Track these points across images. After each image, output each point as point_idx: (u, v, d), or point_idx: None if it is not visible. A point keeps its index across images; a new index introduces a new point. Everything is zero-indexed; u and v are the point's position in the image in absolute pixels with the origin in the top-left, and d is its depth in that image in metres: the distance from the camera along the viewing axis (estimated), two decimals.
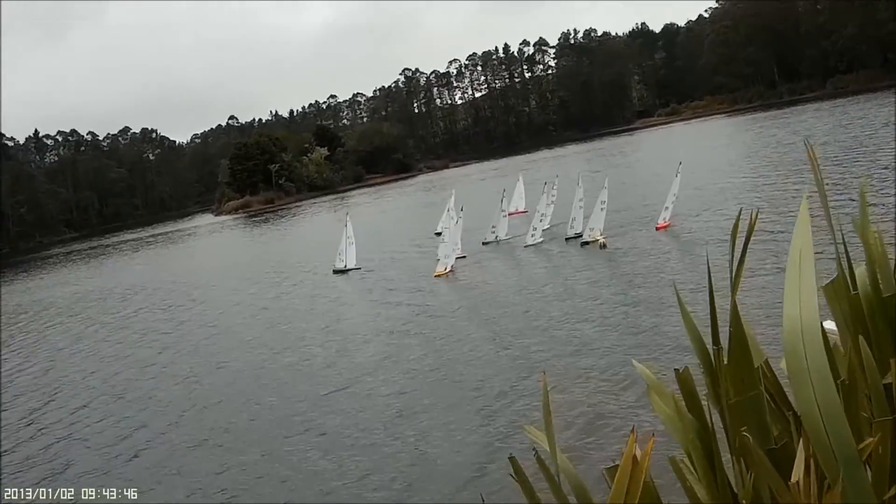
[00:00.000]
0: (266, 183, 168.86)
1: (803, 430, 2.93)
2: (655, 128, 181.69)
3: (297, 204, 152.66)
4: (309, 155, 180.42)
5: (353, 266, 47.63)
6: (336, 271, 47.87)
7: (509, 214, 55.43)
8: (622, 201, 50.93)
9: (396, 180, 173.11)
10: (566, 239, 43.11)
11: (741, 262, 3.39)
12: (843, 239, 3.80)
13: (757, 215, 3.68)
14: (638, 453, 3.12)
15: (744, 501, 3.17)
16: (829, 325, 3.79)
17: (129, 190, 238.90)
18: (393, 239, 60.27)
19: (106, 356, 36.39)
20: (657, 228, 41.28)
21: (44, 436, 25.09)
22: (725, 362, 3.27)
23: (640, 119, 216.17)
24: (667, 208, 41.59)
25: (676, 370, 3.48)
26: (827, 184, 4.07)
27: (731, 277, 3.38)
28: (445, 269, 40.27)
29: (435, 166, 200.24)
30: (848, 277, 3.71)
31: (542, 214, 46.13)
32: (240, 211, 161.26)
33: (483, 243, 47.43)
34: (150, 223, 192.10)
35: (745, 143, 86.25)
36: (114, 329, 43.71)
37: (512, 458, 3.49)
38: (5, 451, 23.84)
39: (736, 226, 3.51)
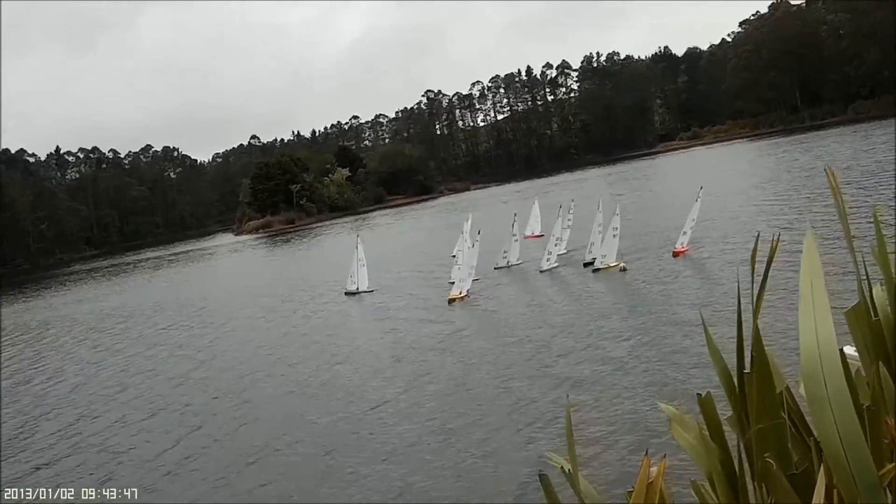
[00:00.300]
0: (287, 203, 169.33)
1: (823, 456, 2.92)
2: (677, 152, 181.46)
3: (318, 224, 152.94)
4: (330, 175, 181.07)
5: (365, 288, 47.57)
6: (348, 293, 47.88)
7: (526, 238, 55.71)
8: (643, 225, 50.88)
9: (418, 202, 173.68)
10: (584, 264, 42.73)
11: (762, 286, 3.38)
12: (865, 264, 3.79)
13: (779, 240, 3.67)
14: (653, 476, 3.13)
15: None
16: (850, 350, 3.78)
17: (149, 208, 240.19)
18: (411, 261, 60.36)
19: (137, 372, 36.46)
20: (674, 254, 40.96)
21: (80, 451, 25.14)
22: (747, 387, 3.27)
23: (661, 143, 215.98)
24: (685, 233, 41.24)
25: (699, 395, 3.48)
26: (850, 209, 4.07)
27: (753, 302, 3.37)
28: (460, 293, 39.82)
29: (456, 188, 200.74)
30: (870, 303, 3.70)
31: (558, 239, 45.82)
32: (261, 231, 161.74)
33: (495, 268, 47.21)
34: (171, 241, 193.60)
35: (768, 167, 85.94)
36: (143, 346, 43.75)
37: (542, 476, 3.48)
38: (43, 465, 23.95)
39: (754, 251, 3.50)
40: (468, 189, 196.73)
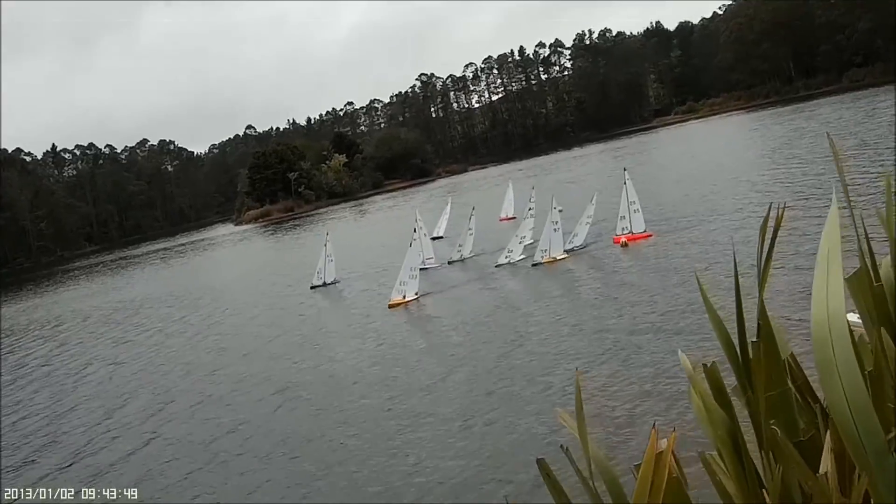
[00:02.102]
0: (285, 191, 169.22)
1: (831, 422, 2.94)
2: (673, 126, 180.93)
3: (317, 211, 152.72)
4: (327, 162, 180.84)
5: (331, 280, 48.04)
6: (313, 287, 47.72)
7: (500, 220, 58.08)
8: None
9: (415, 185, 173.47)
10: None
11: (769, 257, 3.40)
12: (866, 231, 3.79)
13: (783, 212, 3.67)
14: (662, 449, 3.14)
15: (773, 495, 3.17)
16: (853, 317, 3.79)
17: (148, 202, 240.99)
18: (392, 246, 59.52)
19: (163, 362, 36.52)
20: (615, 241, 39.79)
21: (124, 439, 25.18)
22: (753, 356, 3.28)
23: (657, 118, 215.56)
24: (623, 217, 39.98)
25: (704, 365, 3.49)
26: (858, 174, 4.07)
27: (759, 273, 3.39)
28: (403, 297, 37.46)
29: (454, 170, 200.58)
30: (871, 269, 3.70)
31: (522, 237, 43.40)
32: (260, 220, 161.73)
33: (448, 262, 46.40)
34: (171, 234, 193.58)
35: (766, 138, 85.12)
36: (168, 335, 43.96)
37: (540, 461, 3.47)
38: (91, 453, 24.06)
39: (765, 221, 3.50)
40: (466, 171, 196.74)
